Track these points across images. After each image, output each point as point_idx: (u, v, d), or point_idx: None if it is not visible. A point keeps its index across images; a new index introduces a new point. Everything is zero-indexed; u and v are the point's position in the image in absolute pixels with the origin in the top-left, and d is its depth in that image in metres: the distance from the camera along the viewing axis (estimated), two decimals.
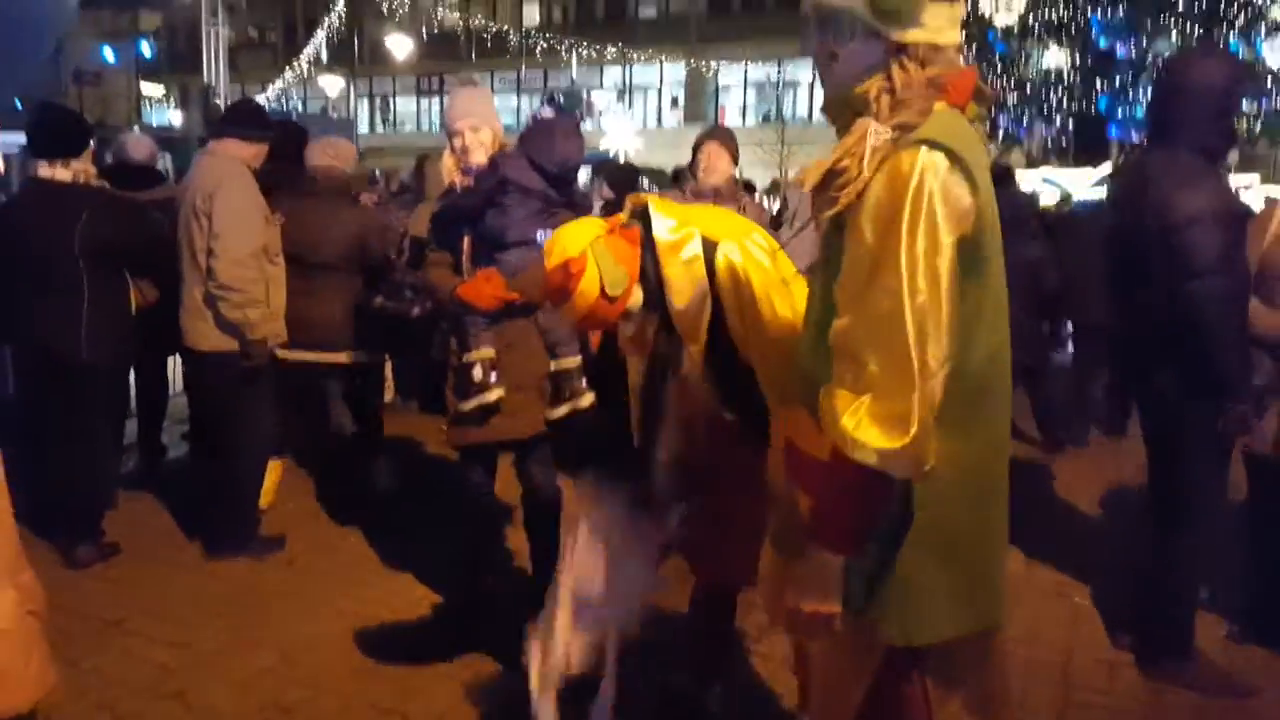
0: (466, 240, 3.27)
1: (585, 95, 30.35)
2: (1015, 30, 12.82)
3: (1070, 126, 13.91)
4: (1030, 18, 12.92)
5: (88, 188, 3.98)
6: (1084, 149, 13.70)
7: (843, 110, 1.56)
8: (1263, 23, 11.77)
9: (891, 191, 1.44)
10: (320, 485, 5.08)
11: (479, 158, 3.21)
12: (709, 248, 2.20)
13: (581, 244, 2.19)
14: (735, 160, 4.46)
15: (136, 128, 18.91)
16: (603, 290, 2.18)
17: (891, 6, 1.46)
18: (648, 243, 2.23)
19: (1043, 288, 5.78)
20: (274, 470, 4.49)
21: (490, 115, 3.30)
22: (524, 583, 3.64)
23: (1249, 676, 3.20)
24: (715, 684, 2.80)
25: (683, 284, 2.21)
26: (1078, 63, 12.98)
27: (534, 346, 3.27)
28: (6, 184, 9.93)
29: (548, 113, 3.35)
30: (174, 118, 33.22)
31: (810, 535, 1.55)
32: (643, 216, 2.27)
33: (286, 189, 4.42)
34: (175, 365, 5.72)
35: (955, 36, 1.52)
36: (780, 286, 2.18)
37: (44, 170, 3.91)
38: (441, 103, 37.40)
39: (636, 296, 2.24)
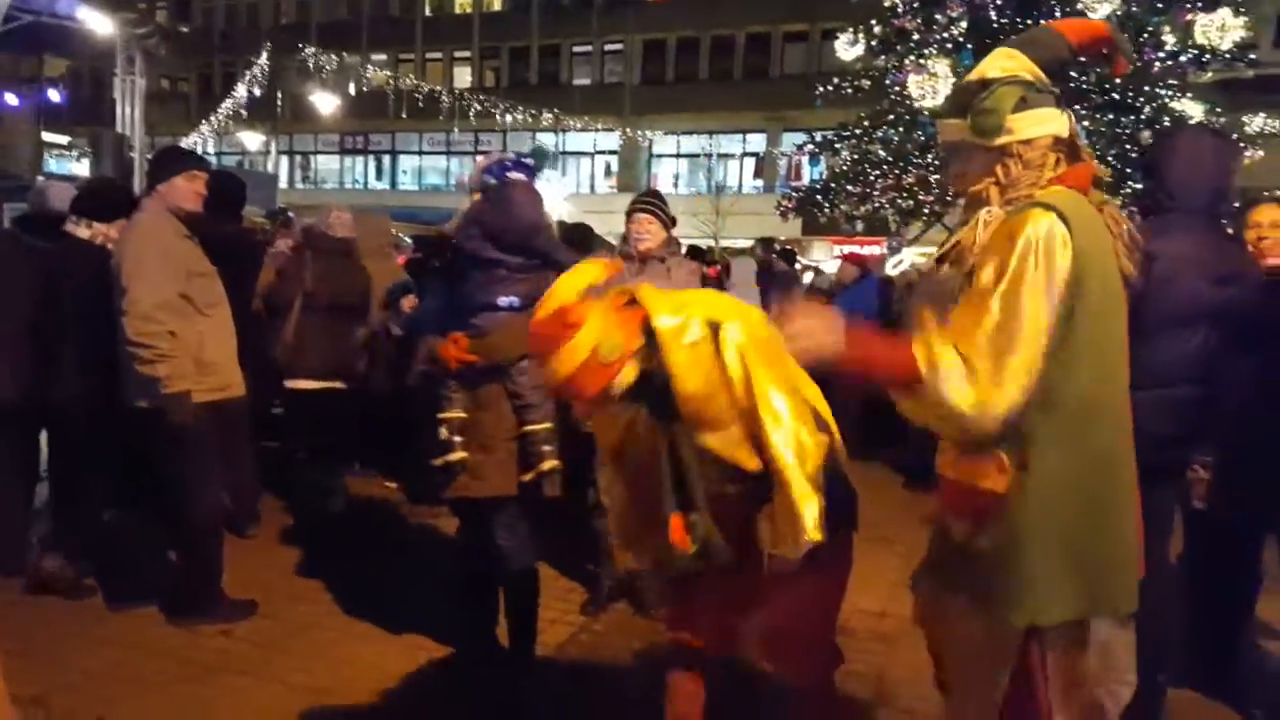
0: None
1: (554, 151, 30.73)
2: (941, 112, 13.37)
3: None
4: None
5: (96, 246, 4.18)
6: None
7: (972, 208, 2.05)
8: (1166, 116, 12.58)
9: (1006, 238, 1.88)
10: (258, 554, 4.79)
11: None
12: (713, 329, 2.15)
13: (577, 291, 2.07)
14: (667, 224, 4.37)
15: (40, 178, 18.20)
16: (595, 352, 2.05)
17: (984, 127, 1.96)
18: (648, 330, 2.13)
19: None
20: None
21: None
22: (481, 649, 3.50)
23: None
24: None
25: (691, 369, 2.13)
26: None
27: (505, 410, 3.27)
28: None
29: (517, 175, 3.33)
30: (78, 168, 32.17)
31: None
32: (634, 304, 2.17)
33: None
34: None
35: (1046, 130, 1.96)
36: (782, 355, 2.14)
37: (69, 225, 4.22)
38: (366, 162, 37.25)
39: (628, 375, 2.11)
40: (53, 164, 31.22)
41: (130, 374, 3.76)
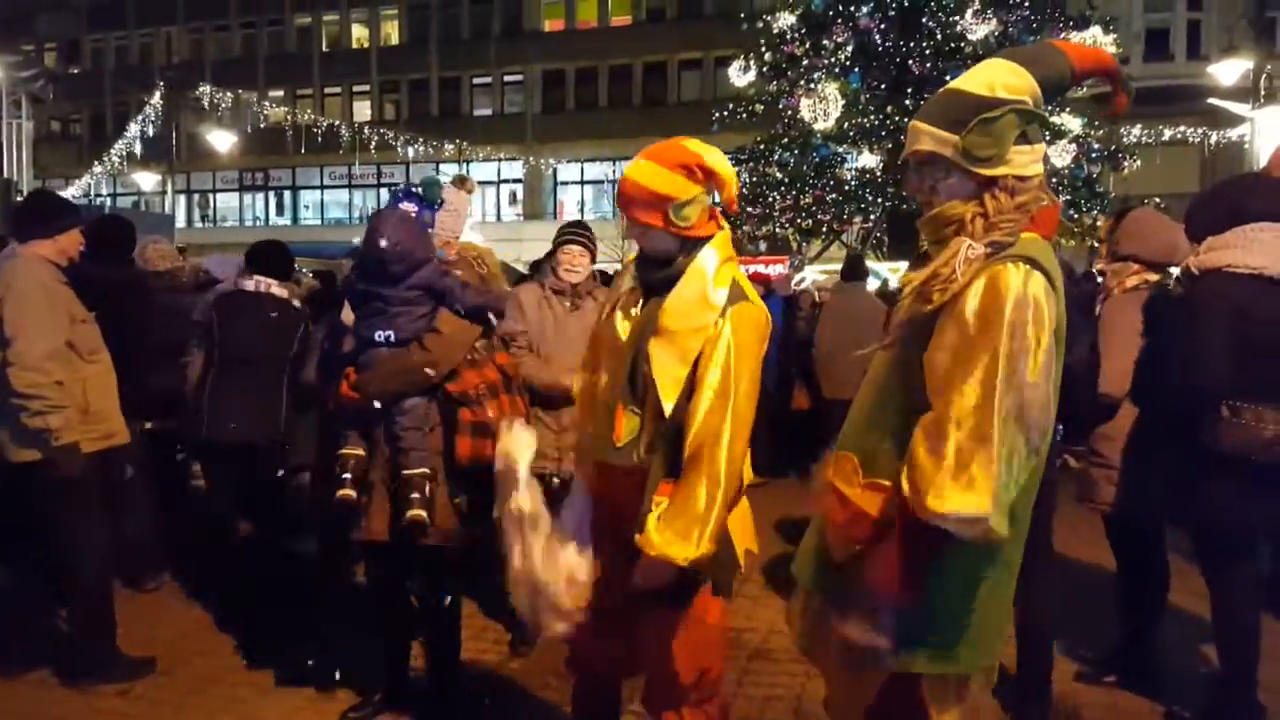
0: None
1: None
2: (833, 134, 13.77)
3: (884, 223, 14.94)
4: (845, 123, 13.92)
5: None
6: (897, 243, 14.72)
7: (938, 229, 1.86)
8: (1047, 130, 13.20)
9: (996, 294, 1.70)
10: (157, 608, 4.66)
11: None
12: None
13: None
14: (594, 258, 4.39)
15: None
16: None
17: (984, 155, 1.78)
18: None
19: None
20: None
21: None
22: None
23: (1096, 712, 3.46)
24: None
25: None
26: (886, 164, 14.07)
27: (386, 451, 3.20)
28: None
29: (408, 206, 3.31)
30: None
31: (867, 585, 1.77)
32: None
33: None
34: None
35: (1038, 169, 1.82)
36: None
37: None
38: (266, 198, 36.47)
39: None
40: None
41: (12, 427, 3.61)
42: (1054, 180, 13.97)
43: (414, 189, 3.45)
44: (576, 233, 4.28)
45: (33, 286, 3.63)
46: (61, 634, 4.02)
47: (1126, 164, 15.64)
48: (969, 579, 1.82)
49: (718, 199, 2.33)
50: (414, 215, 3.28)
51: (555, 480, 3.76)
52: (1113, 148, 15.58)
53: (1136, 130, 18.66)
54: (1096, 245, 3.60)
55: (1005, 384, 1.66)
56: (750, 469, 2.38)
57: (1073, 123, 14.51)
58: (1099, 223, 14.16)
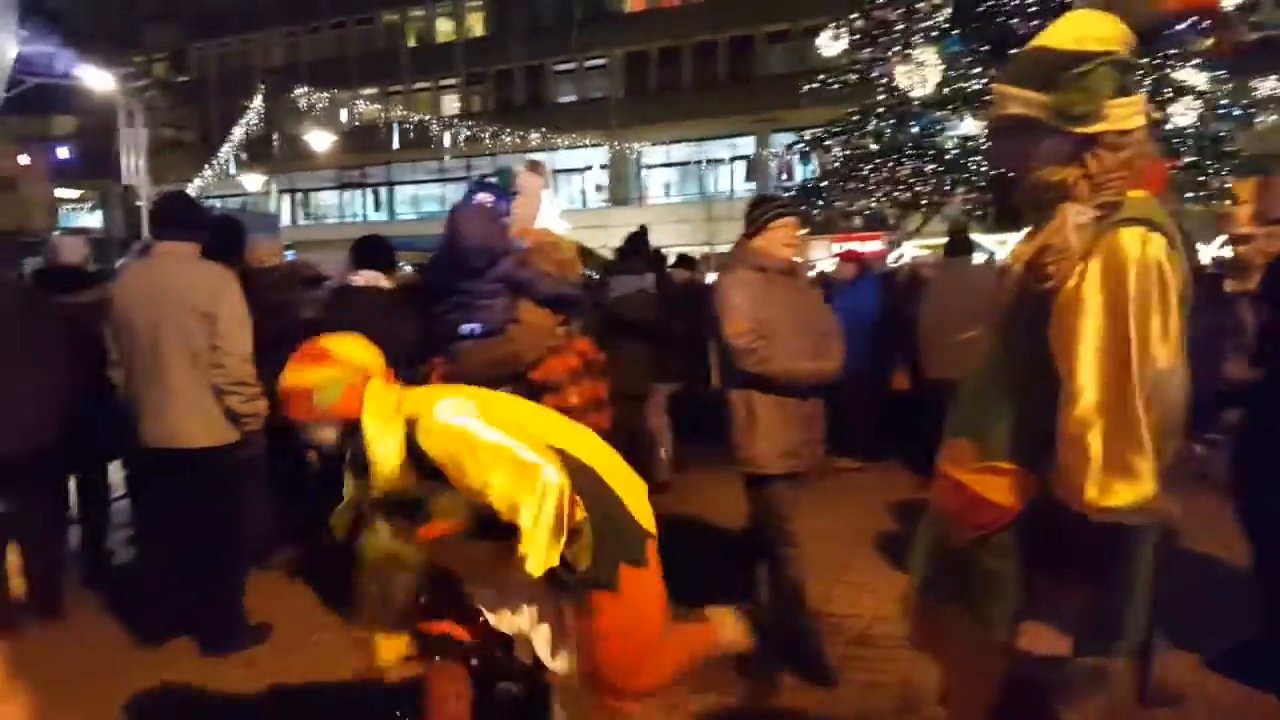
0: None
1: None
2: (931, 100, 13.26)
3: (990, 193, 14.35)
4: (944, 89, 13.36)
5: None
6: (1004, 215, 14.07)
7: (1038, 197, 1.76)
8: (1168, 87, 12.47)
9: (1116, 266, 1.61)
10: (276, 584, 4.81)
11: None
12: (410, 424, 2.35)
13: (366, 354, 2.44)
14: None
15: (56, 232, 18.54)
16: (311, 391, 2.39)
17: (1078, 112, 1.67)
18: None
19: None
20: None
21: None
22: None
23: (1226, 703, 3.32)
24: None
25: (385, 461, 2.36)
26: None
27: None
28: None
29: (485, 197, 3.35)
30: (89, 220, 32.66)
31: (1046, 591, 1.70)
32: None
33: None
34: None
35: (1140, 120, 1.70)
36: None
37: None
38: (364, 195, 37.49)
39: (328, 434, 2.43)
40: (66, 218, 31.59)
41: (203, 412, 3.89)
42: (1176, 140, 13.16)
43: (489, 179, 3.50)
44: (786, 206, 3.64)
45: (240, 288, 3.96)
46: (192, 607, 4.13)
47: (1260, 120, 14.57)
48: (1130, 562, 1.75)
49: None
50: (490, 207, 3.34)
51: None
52: (1244, 102, 14.49)
53: (1271, 83, 17.14)
54: (1228, 209, 3.38)
55: (1140, 360, 1.58)
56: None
57: (1197, 77, 13.56)
58: (1229, 185, 13.27)
